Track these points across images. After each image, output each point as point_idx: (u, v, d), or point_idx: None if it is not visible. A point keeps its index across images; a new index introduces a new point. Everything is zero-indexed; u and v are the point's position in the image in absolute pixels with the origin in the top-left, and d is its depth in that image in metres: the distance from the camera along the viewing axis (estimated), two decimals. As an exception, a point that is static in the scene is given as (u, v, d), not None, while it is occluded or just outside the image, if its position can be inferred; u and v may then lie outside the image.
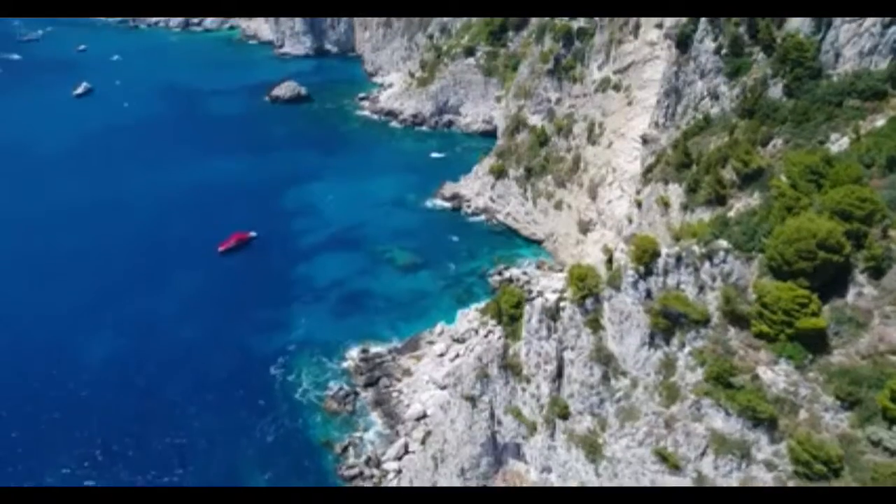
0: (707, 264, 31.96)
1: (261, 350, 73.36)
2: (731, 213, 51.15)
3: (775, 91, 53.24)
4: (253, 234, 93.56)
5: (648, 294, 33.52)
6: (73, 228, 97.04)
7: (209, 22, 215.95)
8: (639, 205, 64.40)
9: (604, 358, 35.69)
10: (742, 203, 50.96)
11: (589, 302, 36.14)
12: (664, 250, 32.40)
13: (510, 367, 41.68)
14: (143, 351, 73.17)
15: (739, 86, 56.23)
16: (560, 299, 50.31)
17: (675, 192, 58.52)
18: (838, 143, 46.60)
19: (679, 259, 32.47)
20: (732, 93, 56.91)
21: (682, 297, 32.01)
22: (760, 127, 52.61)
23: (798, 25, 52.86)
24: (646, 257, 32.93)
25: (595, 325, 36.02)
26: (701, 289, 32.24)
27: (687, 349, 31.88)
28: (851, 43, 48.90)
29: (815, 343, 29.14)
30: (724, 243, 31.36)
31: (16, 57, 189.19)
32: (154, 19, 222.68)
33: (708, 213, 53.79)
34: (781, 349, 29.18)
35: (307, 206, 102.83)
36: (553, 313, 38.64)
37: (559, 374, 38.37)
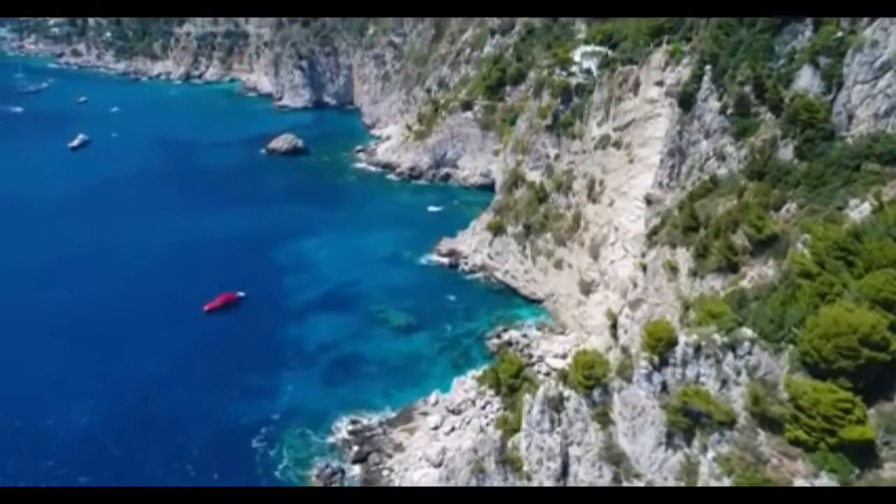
0: (730, 355, 28.35)
1: (243, 420, 68.66)
2: (746, 283, 47.85)
3: (785, 153, 50.65)
4: (241, 293, 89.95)
5: (664, 387, 29.80)
6: (57, 284, 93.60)
7: (210, 74, 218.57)
8: (644, 268, 61.07)
9: (615, 457, 31.64)
10: (756, 271, 47.70)
11: (597, 393, 32.35)
12: (682, 338, 28.82)
13: (509, 462, 37.43)
14: (121, 418, 68.51)
15: (747, 147, 53.73)
16: (563, 374, 46.37)
17: (683, 257, 55.27)
18: (858, 210, 43.54)
19: (698, 349, 28.89)
20: (740, 154, 54.40)
21: (704, 392, 28.28)
22: (772, 190, 49.77)
23: (807, 85, 50.76)
24: (660, 346, 29.37)
25: (604, 419, 32.13)
26: (724, 383, 28.54)
27: (711, 454, 27.90)
28: (865, 104, 46.51)
29: (862, 455, 25.24)
30: (748, 332, 27.84)
31: (18, 109, 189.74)
32: (156, 72, 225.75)
33: (720, 281, 50.47)
34: (823, 461, 25.24)
35: (299, 263, 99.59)
36: (556, 404, 34.73)
37: (564, 472, 34.19)
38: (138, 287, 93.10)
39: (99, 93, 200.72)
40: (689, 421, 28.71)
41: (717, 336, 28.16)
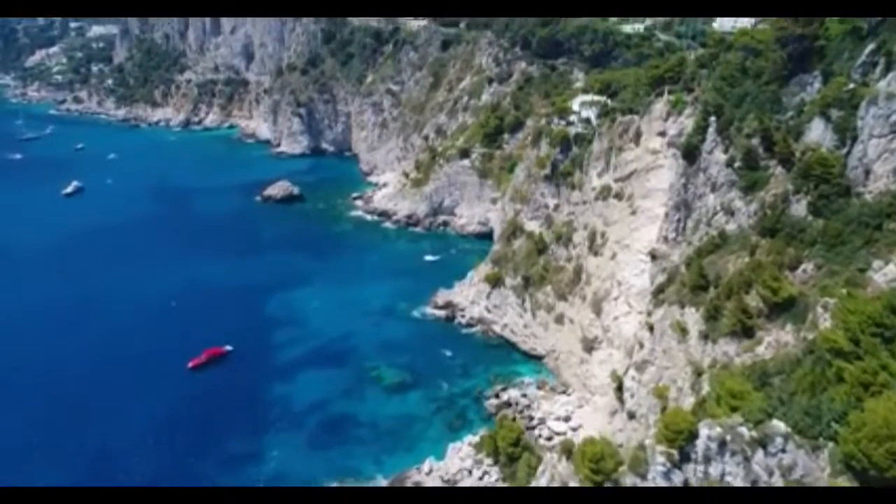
0: (760, 452, 24.77)
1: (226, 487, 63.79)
2: (762, 349, 44.39)
3: (799, 209, 47.89)
4: (228, 348, 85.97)
5: (685, 486, 26.03)
6: (33, 338, 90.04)
7: (209, 121, 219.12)
8: (650, 328, 57.54)
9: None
10: (773, 337, 44.27)
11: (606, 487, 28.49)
12: (703, 430, 25.24)
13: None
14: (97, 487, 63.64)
15: (757, 201, 51.03)
16: (566, 447, 42.28)
17: (693, 318, 51.89)
18: (882, 273, 40.45)
19: (723, 444, 25.30)
20: (749, 208, 51.63)
21: (730, 495, 24.57)
22: (786, 248, 46.79)
23: (818, 138, 48.40)
24: (679, 439, 25.77)
25: (614, 518, 28.23)
26: (754, 483, 24.86)
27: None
28: (882, 159, 43.94)
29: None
30: (781, 426, 24.32)
31: (17, 156, 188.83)
32: (155, 118, 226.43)
33: (733, 346, 46.98)
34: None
35: (290, 315, 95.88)
36: (560, 496, 30.76)
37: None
38: (120, 341, 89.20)
39: (97, 139, 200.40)
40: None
41: (744, 429, 24.62)
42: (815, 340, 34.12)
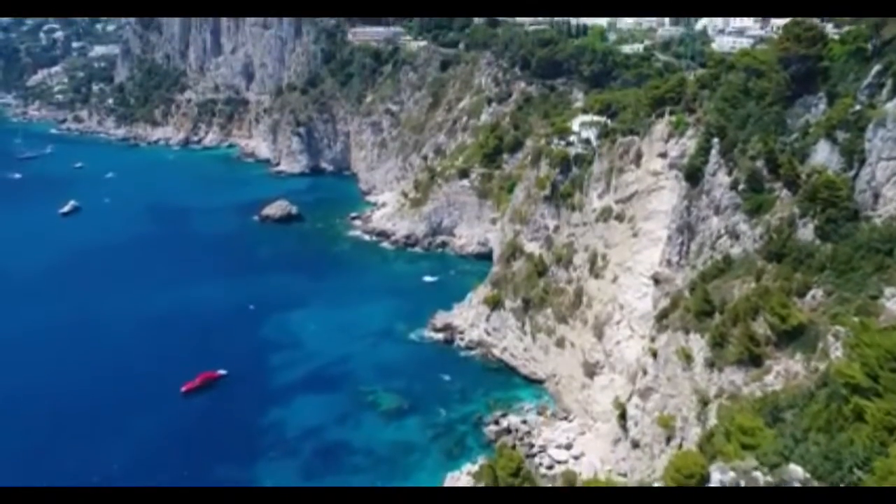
0: (776, 499, 23.25)
1: (214, 521, 61.61)
2: (771, 378, 42.81)
3: (805, 233, 46.63)
4: (222, 371, 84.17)
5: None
6: (24, 362, 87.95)
7: (209, 140, 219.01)
8: (654, 354, 55.96)
9: None
10: (783, 366, 42.74)
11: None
12: (715, 475, 23.60)
13: None
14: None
15: (762, 225, 49.81)
16: (568, 477, 40.46)
17: (698, 345, 50.37)
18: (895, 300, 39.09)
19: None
20: (755, 232, 50.39)
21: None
22: (794, 273, 45.43)
23: (824, 161, 47.32)
24: (690, 484, 24.14)
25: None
26: (769, 533, 23.31)
27: None
28: (892, 182, 42.79)
29: None
30: (799, 471, 22.72)
31: (17, 176, 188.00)
32: (155, 137, 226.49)
33: (741, 375, 45.41)
34: None
35: (286, 338, 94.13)
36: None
37: None
38: (113, 364, 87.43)
39: (96, 158, 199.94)
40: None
41: (758, 474, 23.03)
42: (828, 373, 32.53)
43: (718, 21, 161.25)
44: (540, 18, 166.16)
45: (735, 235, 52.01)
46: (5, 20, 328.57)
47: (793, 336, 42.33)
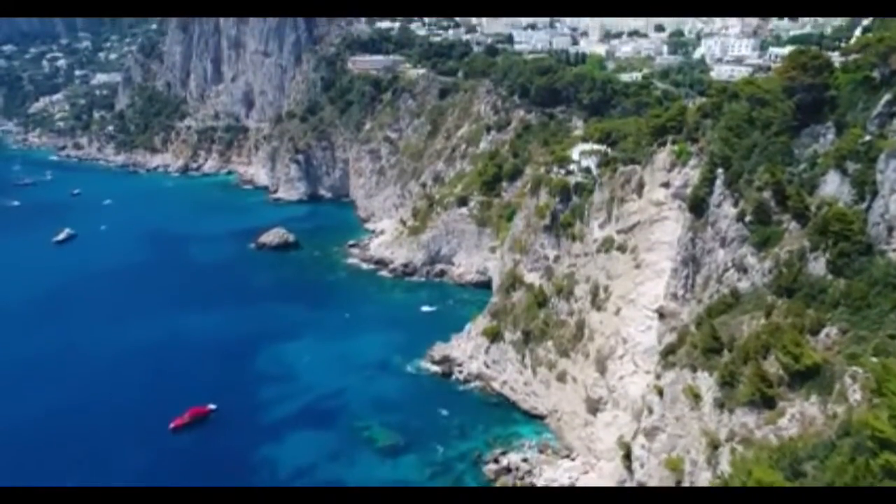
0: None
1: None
2: (786, 422, 40.52)
3: (816, 267, 44.74)
4: (212, 406, 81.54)
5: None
6: (9, 395, 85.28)
7: (208, 167, 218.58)
8: (660, 392, 53.58)
9: None
10: (797, 409, 40.46)
11: None
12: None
13: None
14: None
15: (771, 258, 47.92)
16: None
17: (706, 383, 48.12)
18: (915, 340, 37.04)
19: (758, 561, 21.58)
20: (763, 266, 48.48)
21: None
22: (806, 310, 43.41)
23: (834, 192, 45.67)
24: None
25: None
26: None
27: None
28: (906, 215, 41.04)
29: None
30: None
31: (15, 203, 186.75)
32: (154, 164, 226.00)
33: (752, 417, 43.09)
34: None
35: (279, 370, 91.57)
36: None
37: None
38: (99, 398, 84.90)
39: (94, 185, 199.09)
40: None
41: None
42: (850, 421, 30.36)
43: (716, 49, 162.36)
44: (539, 47, 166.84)
45: (743, 269, 50.12)
46: (9, 48, 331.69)
47: (807, 377, 40.17)
